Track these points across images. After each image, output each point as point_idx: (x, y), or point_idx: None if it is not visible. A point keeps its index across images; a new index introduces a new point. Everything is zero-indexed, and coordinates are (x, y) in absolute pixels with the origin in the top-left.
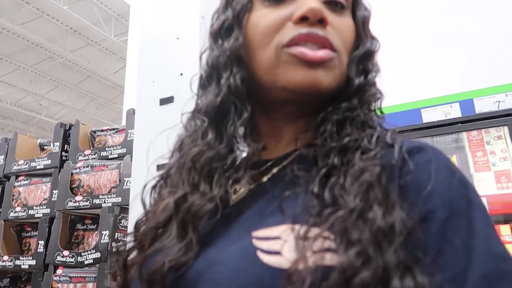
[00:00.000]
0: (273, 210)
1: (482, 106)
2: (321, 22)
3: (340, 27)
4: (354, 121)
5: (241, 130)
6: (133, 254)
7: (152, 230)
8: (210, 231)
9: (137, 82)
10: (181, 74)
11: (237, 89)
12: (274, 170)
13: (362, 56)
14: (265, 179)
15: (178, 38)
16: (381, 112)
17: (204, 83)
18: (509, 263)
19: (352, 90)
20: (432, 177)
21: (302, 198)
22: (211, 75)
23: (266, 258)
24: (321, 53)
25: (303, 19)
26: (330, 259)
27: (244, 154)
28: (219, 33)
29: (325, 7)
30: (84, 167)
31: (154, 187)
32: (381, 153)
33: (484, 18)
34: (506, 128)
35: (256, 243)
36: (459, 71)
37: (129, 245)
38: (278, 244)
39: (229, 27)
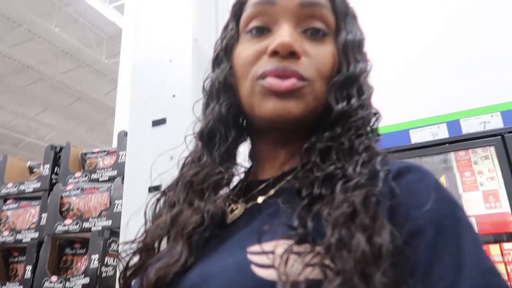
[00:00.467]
0: (268, 228)
1: (469, 126)
2: (293, 54)
3: (317, 55)
4: (339, 149)
5: (231, 153)
6: (134, 260)
7: (150, 244)
8: (206, 248)
9: (129, 104)
10: (174, 96)
11: (221, 117)
12: (271, 192)
13: (343, 81)
14: (260, 200)
15: (170, 61)
16: (377, 134)
17: (203, 109)
18: (497, 277)
19: (334, 117)
20: (421, 196)
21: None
22: (207, 101)
23: (259, 272)
24: (287, 83)
25: (275, 53)
26: (320, 273)
27: (242, 175)
28: (215, 62)
29: (304, 36)
30: (74, 190)
31: (158, 200)
32: (366, 179)
33: (469, 42)
34: (492, 148)
35: (250, 257)
36: (446, 93)
37: (131, 251)
38: (272, 258)
39: (220, 58)
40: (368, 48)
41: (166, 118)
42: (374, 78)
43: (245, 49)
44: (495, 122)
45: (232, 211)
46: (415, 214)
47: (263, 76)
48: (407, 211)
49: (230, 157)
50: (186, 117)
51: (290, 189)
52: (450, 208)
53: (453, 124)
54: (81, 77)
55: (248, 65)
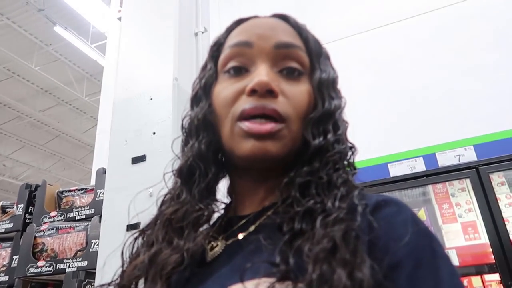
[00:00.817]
0: (250, 266)
1: (444, 160)
2: (271, 93)
3: (293, 94)
4: (317, 184)
5: (210, 189)
6: None
7: (127, 286)
8: (187, 286)
9: (109, 141)
10: (154, 133)
11: (201, 154)
12: (251, 228)
13: (319, 118)
14: (240, 236)
15: (151, 99)
16: (354, 168)
17: (182, 146)
18: None
19: (311, 152)
20: (398, 229)
21: (266, 265)
22: (186, 139)
23: None
24: (266, 128)
25: (253, 92)
26: None
27: (222, 211)
28: (194, 101)
29: (281, 75)
30: (48, 230)
31: (135, 239)
32: (344, 213)
33: (442, 79)
34: (468, 181)
35: None
36: (421, 127)
37: None
38: None
39: (199, 96)
40: (348, 86)
41: (146, 155)
42: (354, 115)
43: (224, 88)
44: (469, 155)
45: (212, 248)
46: (394, 247)
47: (242, 115)
48: (385, 245)
49: (209, 194)
50: (167, 154)
51: (271, 225)
52: (427, 241)
53: (429, 158)
54: (60, 115)
55: (227, 105)
